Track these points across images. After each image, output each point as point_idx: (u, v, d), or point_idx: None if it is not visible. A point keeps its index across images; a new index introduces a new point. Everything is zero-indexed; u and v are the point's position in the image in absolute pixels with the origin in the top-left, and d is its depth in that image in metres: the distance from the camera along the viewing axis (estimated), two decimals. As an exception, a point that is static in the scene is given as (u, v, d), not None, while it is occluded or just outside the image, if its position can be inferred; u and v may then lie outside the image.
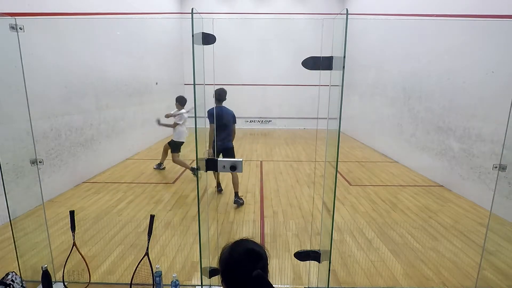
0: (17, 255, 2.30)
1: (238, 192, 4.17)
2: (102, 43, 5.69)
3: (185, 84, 11.42)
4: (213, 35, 1.82)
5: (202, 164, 1.98)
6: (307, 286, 2.47)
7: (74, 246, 2.31)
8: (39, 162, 2.26)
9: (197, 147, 1.88)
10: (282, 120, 11.77)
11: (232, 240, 1.15)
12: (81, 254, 2.33)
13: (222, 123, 4.04)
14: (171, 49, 10.13)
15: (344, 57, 1.71)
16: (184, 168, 5.79)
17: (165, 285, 2.39)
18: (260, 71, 11.32)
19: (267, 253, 1.13)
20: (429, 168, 5.54)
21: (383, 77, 7.71)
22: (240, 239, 1.15)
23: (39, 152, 3.85)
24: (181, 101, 5.32)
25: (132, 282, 2.26)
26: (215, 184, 4.69)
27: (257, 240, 1.17)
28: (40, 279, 2.20)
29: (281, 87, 11.50)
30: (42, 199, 2.38)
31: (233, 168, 1.98)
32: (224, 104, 4.29)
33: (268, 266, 1.12)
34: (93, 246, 3.03)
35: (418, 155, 5.88)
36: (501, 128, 3.89)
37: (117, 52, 6.34)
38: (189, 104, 5.14)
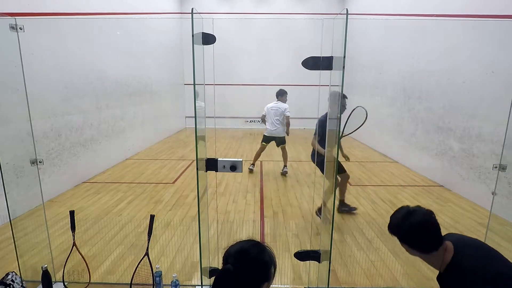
0: (17, 255, 2.29)
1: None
2: (102, 43, 5.69)
3: (185, 84, 11.43)
4: (213, 35, 1.82)
5: (202, 164, 1.98)
6: (307, 286, 2.47)
7: (74, 246, 2.31)
8: (39, 162, 2.26)
9: (197, 147, 1.88)
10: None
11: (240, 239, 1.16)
12: (81, 254, 2.33)
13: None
14: (171, 49, 10.13)
15: (344, 57, 1.71)
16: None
17: (165, 285, 2.39)
18: (260, 71, 11.31)
19: (272, 264, 1.11)
20: (429, 168, 5.54)
21: (383, 77, 7.71)
22: (249, 239, 1.15)
23: (39, 152, 3.85)
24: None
25: (132, 282, 2.26)
26: (215, 183, 4.71)
27: (265, 244, 1.16)
28: (40, 279, 2.20)
29: (281, 87, 11.49)
30: (42, 199, 2.38)
31: (233, 168, 1.98)
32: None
33: (272, 274, 1.10)
34: (93, 246, 3.03)
35: (418, 155, 5.88)
36: (501, 128, 3.89)
37: (117, 52, 6.34)
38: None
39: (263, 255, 1.09)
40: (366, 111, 3.40)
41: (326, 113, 3.42)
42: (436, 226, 1.36)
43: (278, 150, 5.84)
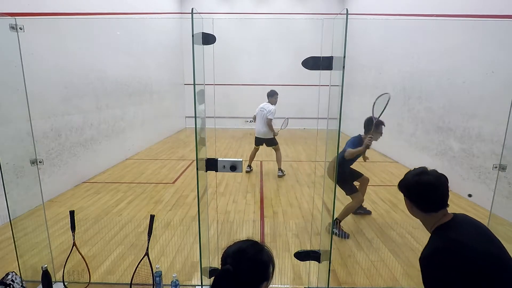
0: (17, 255, 2.30)
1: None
2: (102, 43, 5.69)
3: (185, 84, 11.43)
4: (213, 35, 1.82)
5: (202, 164, 1.98)
6: (307, 286, 2.47)
7: (74, 246, 2.31)
8: (39, 162, 2.26)
9: (197, 147, 1.88)
10: (282, 120, 11.78)
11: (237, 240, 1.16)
12: (81, 254, 2.33)
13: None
14: (171, 49, 10.13)
15: (344, 57, 1.71)
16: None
17: (165, 285, 2.39)
18: (260, 71, 11.31)
19: (270, 263, 1.11)
20: (429, 168, 5.53)
21: (383, 77, 7.71)
22: (247, 239, 1.15)
23: (39, 152, 3.85)
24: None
25: (132, 282, 2.26)
26: (215, 183, 4.71)
27: (258, 240, 1.17)
28: (40, 279, 2.20)
29: (281, 87, 11.46)
30: (42, 199, 2.38)
31: (233, 168, 1.98)
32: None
33: (271, 274, 1.11)
34: (93, 246, 3.03)
35: (418, 155, 5.88)
36: (501, 128, 3.89)
37: (117, 52, 6.34)
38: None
39: (261, 254, 1.09)
40: (390, 95, 3.32)
41: (360, 136, 3.39)
42: (443, 189, 1.38)
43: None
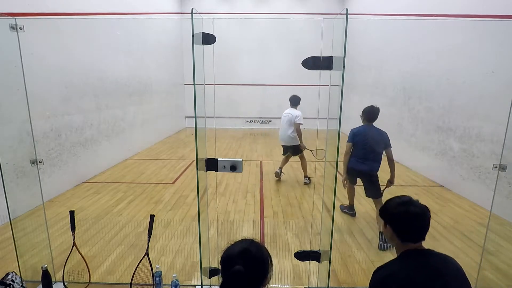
0: (17, 255, 2.30)
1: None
2: (102, 43, 5.69)
3: (185, 84, 11.43)
4: (213, 35, 1.82)
5: (202, 164, 1.98)
6: (307, 286, 2.47)
7: (74, 246, 2.31)
8: (39, 162, 2.26)
9: (197, 147, 1.88)
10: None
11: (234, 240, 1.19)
12: (81, 254, 2.33)
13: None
14: (171, 49, 10.13)
15: (344, 57, 1.71)
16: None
17: (165, 285, 2.39)
18: (260, 71, 11.31)
19: (269, 258, 1.16)
20: (429, 168, 5.53)
21: (383, 77, 7.71)
22: (243, 239, 1.18)
23: (39, 152, 3.85)
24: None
25: (132, 282, 2.26)
26: (215, 183, 4.71)
27: (257, 240, 1.20)
28: (40, 279, 2.20)
29: (281, 87, 11.49)
30: (42, 199, 2.38)
31: (233, 168, 1.98)
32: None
33: (270, 272, 1.15)
34: (93, 246, 3.03)
35: (418, 155, 5.88)
36: (501, 128, 3.88)
37: (117, 52, 6.34)
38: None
39: (262, 251, 1.15)
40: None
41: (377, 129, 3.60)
42: (427, 222, 1.39)
43: (278, 150, 5.77)
